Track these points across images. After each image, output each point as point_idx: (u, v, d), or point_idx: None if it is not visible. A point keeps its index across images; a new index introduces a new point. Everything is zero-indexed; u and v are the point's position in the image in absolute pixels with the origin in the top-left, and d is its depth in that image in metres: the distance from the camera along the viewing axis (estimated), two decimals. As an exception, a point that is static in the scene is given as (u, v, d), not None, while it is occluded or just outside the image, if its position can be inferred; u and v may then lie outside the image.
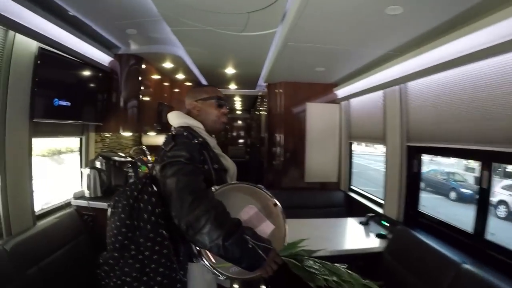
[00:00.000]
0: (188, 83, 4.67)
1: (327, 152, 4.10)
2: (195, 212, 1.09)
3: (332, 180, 4.12)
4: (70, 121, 2.71)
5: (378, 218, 2.88)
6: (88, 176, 2.87)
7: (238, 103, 8.35)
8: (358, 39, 2.21)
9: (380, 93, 3.04)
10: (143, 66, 3.38)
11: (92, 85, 2.89)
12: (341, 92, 3.92)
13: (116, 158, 3.06)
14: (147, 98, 3.57)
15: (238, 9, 2.04)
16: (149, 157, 3.88)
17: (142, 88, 3.39)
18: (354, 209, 3.63)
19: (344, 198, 3.91)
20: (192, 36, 2.63)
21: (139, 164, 3.41)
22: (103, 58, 3.02)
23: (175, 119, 1.51)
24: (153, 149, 4.50)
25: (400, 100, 2.66)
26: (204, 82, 4.99)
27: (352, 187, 3.99)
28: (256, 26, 2.35)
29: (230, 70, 4.07)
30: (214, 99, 1.57)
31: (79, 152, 3.09)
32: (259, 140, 5.88)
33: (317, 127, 4.05)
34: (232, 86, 5.41)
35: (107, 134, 3.42)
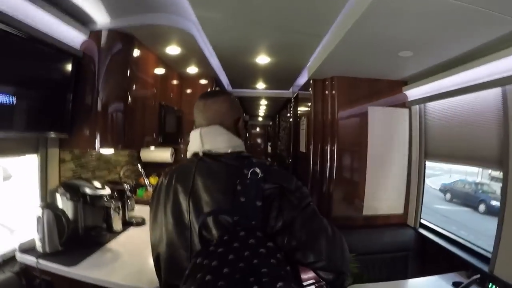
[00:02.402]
0: (203, 81, 3.53)
1: (392, 174, 2.98)
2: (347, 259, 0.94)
3: (397, 212, 2.99)
4: (10, 133, 1.62)
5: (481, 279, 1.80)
6: (39, 219, 1.76)
7: (262, 108, 7.16)
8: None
9: (485, 94, 2.08)
10: (136, 51, 2.27)
11: (53, 77, 1.81)
12: (413, 92, 2.83)
13: (88, 191, 1.93)
14: (141, 98, 2.43)
15: None
16: (146, 180, 2.75)
17: (132, 83, 2.25)
18: (429, 256, 2.67)
19: (415, 238, 2.81)
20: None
21: (128, 190, 2.31)
22: (72, 36, 1.92)
23: (228, 141, 1.03)
24: (154, 167, 3.40)
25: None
26: (224, 79, 3.85)
27: (422, 221, 2.92)
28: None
29: (262, 59, 2.94)
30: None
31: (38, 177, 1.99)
32: (290, 155, 4.67)
33: (381, 139, 2.93)
34: (260, 86, 4.25)
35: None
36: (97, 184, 2.00)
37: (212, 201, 0.92)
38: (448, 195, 11.30)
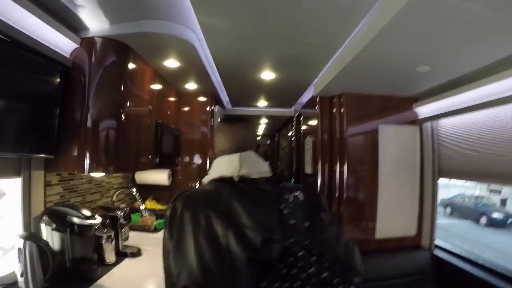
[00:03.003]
0: (202, 98, 3.35)
1: (404, 194, 2.79)
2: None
3: (410, 234, 2.79)
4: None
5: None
6: (20, 252, 1.52)
7: (261, 127, 6.98)
8: None
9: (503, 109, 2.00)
10: (132, 64, 2.09)
11: (37, 88, 1.60)
12: (425, 109, 2.69)
13: (76, 220, 1.70)
14: (135, 116, 2.23)
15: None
16: (142, 205, 2.52)
17: (126, 99, 2.06)
18: (447, 279, 2.49)
19: (430, 260, 2.65)
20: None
21: (121, 217, 2.09)
22: (61, 43, 1.73)
23: (262, 167, 1.07)
24: (150, 190, 3.17)
25: None
26: (224, 96, 3.69)
27: (437, 242, 2.75)
28: None
29: (267, 75, 2.78)
30: None
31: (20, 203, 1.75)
32: (292, 175, 4.47)
33: (392, 157, 2.76)
34: (261, 103, 4.09)
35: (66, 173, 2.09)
36: (86, 212, 1.77)
37: (258, 225, 0.92)
38: (448, 209, 11.27)
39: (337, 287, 0.86)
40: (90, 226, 1.74)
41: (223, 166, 1.05)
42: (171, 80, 2.82)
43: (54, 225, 1.69)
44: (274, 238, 0.91)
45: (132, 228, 2.66)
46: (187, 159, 3.31)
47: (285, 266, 0.86)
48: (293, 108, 4.34)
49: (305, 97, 3.47)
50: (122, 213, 2.08)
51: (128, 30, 1.84)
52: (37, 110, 1.61)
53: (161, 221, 2.80)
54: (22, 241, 1.52)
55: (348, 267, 0.96)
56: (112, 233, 1.95)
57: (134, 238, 2.48)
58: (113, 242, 1.96)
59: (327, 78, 2.48)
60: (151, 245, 2.38)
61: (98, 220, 1.78)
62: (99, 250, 1.91)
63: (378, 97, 2.75)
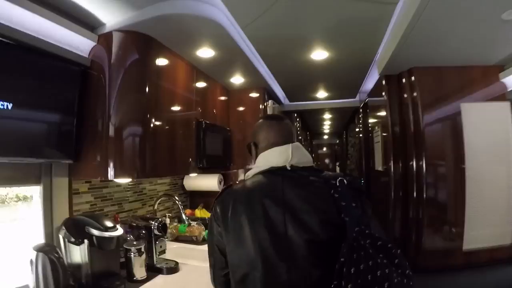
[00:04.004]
0: (254, 94, 3.04)
1: (497, 192, 2.16)
2: None
3: (504, 243, 2.14)
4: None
5: None
6: (32, 263, 1.35)
7: (326, 124, 6.44)
8: None
9: None
10: (159, 57, 1.86)
11: (56, 91, 1.47)
12: None
13: (95, 231, 1.49)
14: (168, 117, 2.00)
15: None
16: (183, 215, 2.28)
17: (154, 99, 1.82)
18: None
19: None
20: None
21: (156, 227, 1.85)
22: (77, 42, 1.57)
23: (309, 156, 1.16)
24: (200, 197, 2.94)
25: None
26: (278, 90, 3.34)
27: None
28: None
29: (318, 54, 2.37)
30: None
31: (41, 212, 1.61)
32: (362, 175, 3.89)
33: (480, 145, 2.15)
34: (321, 94, 3.63)
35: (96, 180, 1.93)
36: (107, 222, 1.55)
37: (313, 209, 0.97)
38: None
39: (406, 269, 0.89)
40: (111, 238, 1.51)
41: (276, 156, 1.10)
42: (213, 74, 2.56)
43: (71, 237, 1.49)
44: (329, 220, 0.95)
45: (178, 239, 2.43)
46: (240, 162, 3.00)
47: (360, 248, 0.87)
48: (357, 98, 3.79)
49: (369, 83, 2.96)
50: (156, 224, 1.84)
51: (145, 17, 1.59)
52: (55, 112, 1.46)
53: (210, 230, 2.53)
54: (35, 252, 1.35)
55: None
56: (142, 246, 1.71)
57: (178, 251, 2.24)
58: (144, 256, 1.71)
59: (390, 49, 1.98)
60: (196, 258, 2.11)
61: (119, 231, 1.54)
62: (128, 264, 1.68)
63: (457, 69, 2.18)
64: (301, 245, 0.93)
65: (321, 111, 4.30)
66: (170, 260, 1.94)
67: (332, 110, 4.48)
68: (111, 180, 1.80)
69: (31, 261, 1.35)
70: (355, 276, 0.82)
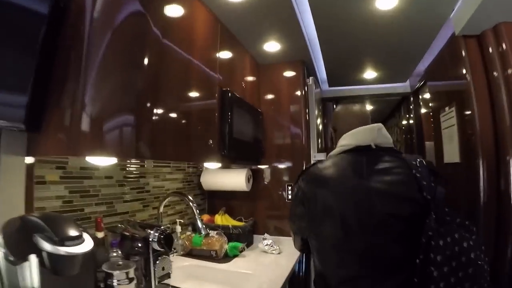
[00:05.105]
0: (289, 73, 2.38)
1: None
2: None
3: None
4: None
5: None
6: None
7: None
8: None
9: None
10: (167, 5, 1.27)
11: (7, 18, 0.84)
12: None
13: (46, 245, 0.84)
14: (180, 78, 1.37)
15: None
16: (199, 222, 1.65)
17: (156, 43, 1.20)
18: None
19: None
20: None
21: (156, 240, 1.20)
22: None
23: (390, 138, 1.18)
24: (222, 199, 2.31)
25: None
26: (317, 67, 2.67)
27: None
28: None
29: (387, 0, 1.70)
30: None
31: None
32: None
33: None
34: (369, 75, 2.92)
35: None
36: (71, 230, 0.91)
37: (397, 185, 1.00)
38: None
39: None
40: (69, 257, 0.87)
41: (360, 136, 1.12)
42: (243, 34, 1.92)
43: (7, 252, 0.86)
44: (412, 197, 0.97)
45: (192, 254, 1.79)
46: (272, 157, 2.33)
47: (449, 222, 0.93)
48: (408, 83, 3.06)
49: (427, 60, 2.28)
50: (156, 234, 1.19)
51: None
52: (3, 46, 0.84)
53: (235, 244, 1.86)
54: None
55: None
56: (132, 269, 1.07)
57: (190, 270, 1.60)
58: (135, 285, 1.07)
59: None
60: (215, 282, 1.48)
61: (85, 246, 0.89)
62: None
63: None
64: (384, 220, 0.95)
65: (361, 99, 3.53)
66: (175, 287, 1.29)
67: (374, 100, 3.72)
68: (96, 168, 1.18)
69: None
70: (443, 248, 0.85)
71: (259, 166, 2.28)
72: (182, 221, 1.87)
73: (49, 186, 1.20)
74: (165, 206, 1.81)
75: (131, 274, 1.06)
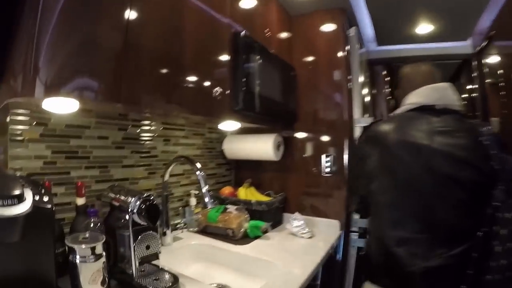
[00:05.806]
0: (327, 27, 1.98)
1: None
2: None
3: None
4: None
5: None
6: None
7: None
8: None
9: None
10: None
11: None
12: None
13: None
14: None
15: None
16: (207, 197, 1.41)
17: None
18: None
19: None
20: None
21: (132, 211, 0.97)
22: None
23: (459, 100, 1.13)
24: (247, 169, 2.06)
25: None
26: (364, 18, 2.21)
27: None
28: None
29: None
30: None
31: None
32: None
33: None
34: (423, 29, 2.37)
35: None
36: (13, 189, 0.69)
37: (460, 148, 0.96)
38: None
39: None
40: (10, 220, 0.66)
41: (426, 95, 1.09)
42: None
43: None
44: (475, 164, 0.93)
45: (207, 232, 1.56)
46: (309, 123, 1.98)
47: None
48: (469, 41, 2.47)
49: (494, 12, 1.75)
50: (138, 203, 0.96)
51: None
52: None
53: (257, 223, 1.58)
54: None
55: None
56: (100, 243, 0.85)
57: (201, 249, 1.38)
58: (103, 263, 0.85)
59: None
60: (230, 267, 1.25)
61: (22, 207, 0.68)
62: (72, 278, 0.84)
63: None
64: (443, 181, 0.94)
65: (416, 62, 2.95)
66: (166, 271, 1.05)
67: (431, 60, 3.10)
68: (87, 126, 0.97)
69: None
70: (510, 222, 0.82)
71: (294, 135, 1.95)
72: (197, 192, 1.65)
73: (27, 144, 1.02)
74: (178, 175, 1.59)
75: (99, 250, 0.84)
